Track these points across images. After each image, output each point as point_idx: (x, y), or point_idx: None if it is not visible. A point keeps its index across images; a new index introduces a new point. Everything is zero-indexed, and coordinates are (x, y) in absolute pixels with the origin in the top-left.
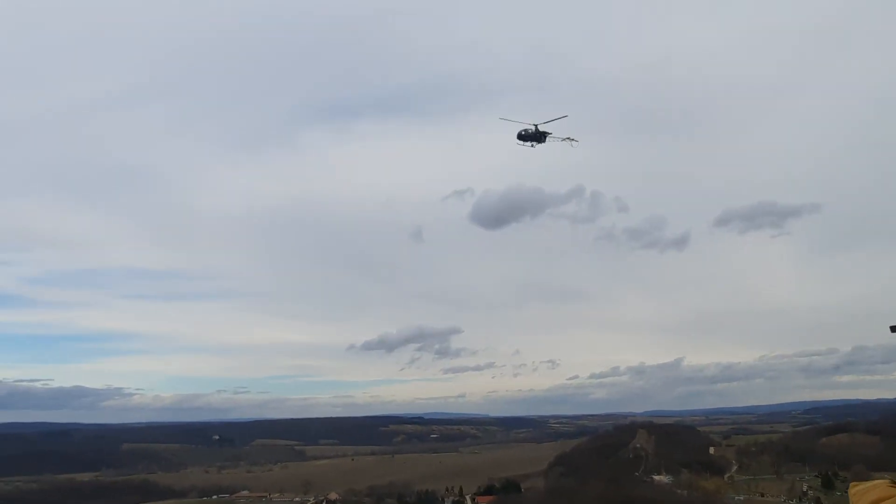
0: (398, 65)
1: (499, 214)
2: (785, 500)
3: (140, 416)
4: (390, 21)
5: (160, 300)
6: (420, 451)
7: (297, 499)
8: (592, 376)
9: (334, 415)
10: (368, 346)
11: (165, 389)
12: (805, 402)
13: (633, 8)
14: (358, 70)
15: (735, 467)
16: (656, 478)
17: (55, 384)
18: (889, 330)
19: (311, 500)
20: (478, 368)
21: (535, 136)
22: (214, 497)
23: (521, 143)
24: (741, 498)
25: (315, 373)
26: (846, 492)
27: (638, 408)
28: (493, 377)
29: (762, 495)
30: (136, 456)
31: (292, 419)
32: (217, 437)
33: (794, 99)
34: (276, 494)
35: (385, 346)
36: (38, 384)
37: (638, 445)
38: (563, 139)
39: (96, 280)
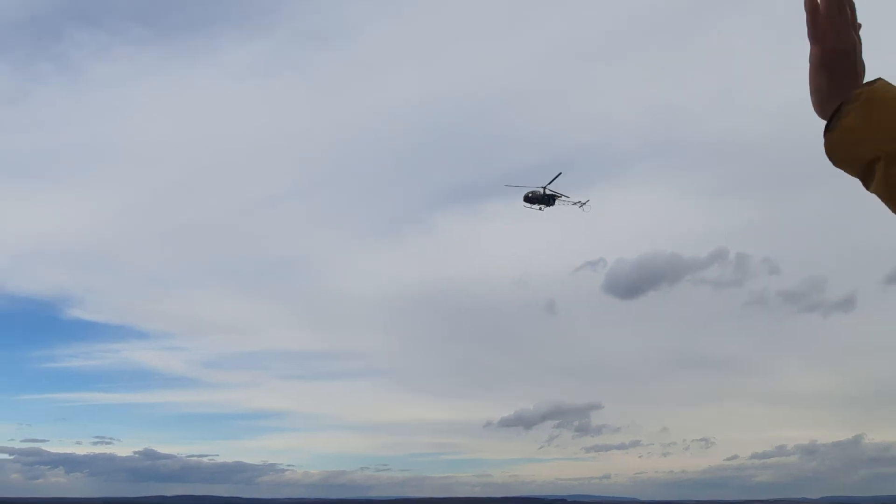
0: (524, 143)
1: (633, 283)
2: None
3: (291, 491)
4: (514, 102)
5: (310, 379)
6: None
7: None
8: (754, 456)
9: (473, 494)
10: (506, 423)
11: (314, 466)
12: None
13: (755, 60)
14: (485, 151)
15: None
16: None
17: (220, 459)
18: None
19: None
20: (622, 447)
21: (542, 199)
22: None
23: (528, 205)
24: None
25: (454, 450)
26: None
27: (813, 493)
28: (639, 457)
29: None
30: None
31: (432, 498)
32: None
33: None
34: None
35: (523, 422)
36: (205, 459)
37: None
38: (575, 202)
39: (256, 362)
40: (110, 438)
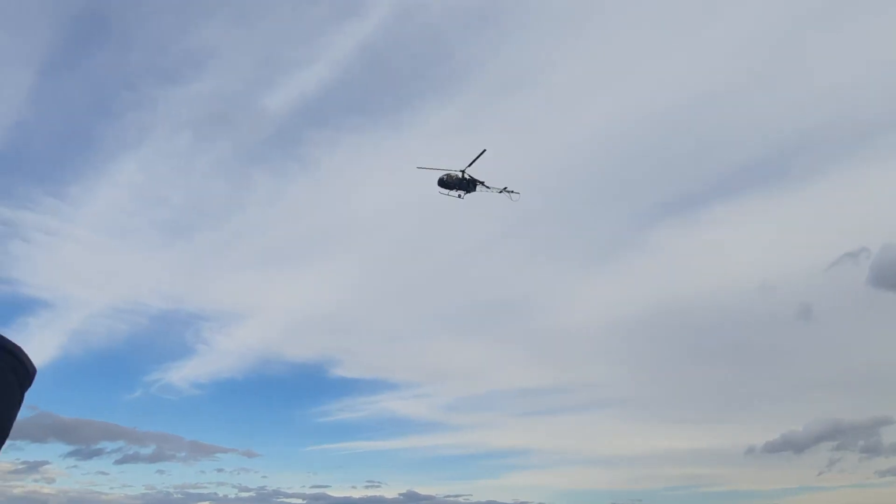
0: (735, 141)
1: None
2: None
3: None
4: (717, 100)
5: (546, 415)
6: None
7: None
8: None
9: None
10: (771, 449)
11: (562, 502)
12: None
13: None
14: (692, 158)
15: None
16: None
17: (473, 498)
18: None
19: None
20: None
21: (461, 185)
22: None
23: (444, 191)
24: None
25: (713, 482)
26: None
27: None
28: None
29: None
30: None
31: None
32: None
33: None
34: None
35: (791, 446)
36: (461, 499)
37: None
38: (501, 191)
39: (492, 402)
40: (378, 482)
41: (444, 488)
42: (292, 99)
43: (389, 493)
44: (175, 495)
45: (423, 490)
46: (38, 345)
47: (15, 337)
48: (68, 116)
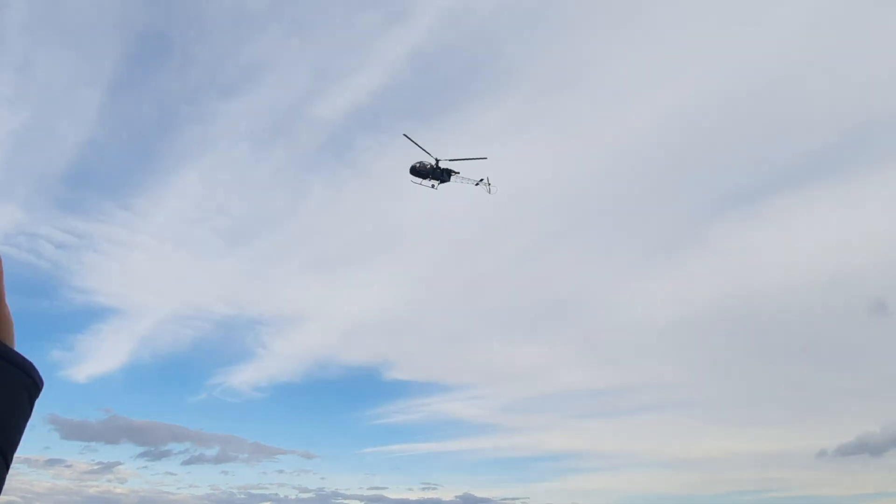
0: (799, 127)
1: None
2: None
3: None
4: (776, 86)
5: (604, 417)
6: None
7: None
8: None
9: None
10: (845, 451)
11: None
12: None
13: None
14: (751, 148)
15: None
16: None
17: (531, 502)
18: None
19: None
20: None
21: (434, 173)
22: None
23: (416, 180)
24: None
25: (783, 487)
26: None
27: None
28: None
29: None
30: None
31: None
32: None
33: None
34: None
35: (868, 449)
36: (518, 501)
37: None
38: (477, 182)
39: (549, 403)
40: (435, 484)
41: (500, 491)
42: (344, 106)
43: (446, 495)
44: (238, 496)
45: (479, 493)
46: (111, 350)
47: (90, 343)
48: (135, 132)
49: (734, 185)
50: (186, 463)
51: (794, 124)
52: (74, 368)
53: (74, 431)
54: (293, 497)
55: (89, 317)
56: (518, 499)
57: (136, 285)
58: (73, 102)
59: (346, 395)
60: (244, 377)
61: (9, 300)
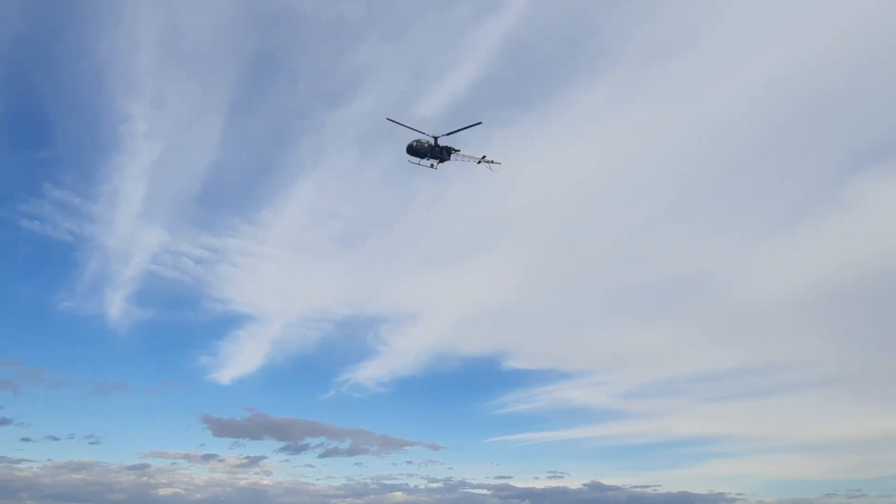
0: None
1: None
2: None
3: None
4: None
5: (739, 399)
6: None
7: None
8: None
9: None
10: None
11: (768, 494)
12: None
13: None
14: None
15: None
16: None
17: (663, 489)
18: None
19: None
20: None
21: (433, 152)
22: None
23: (415, 160)
24: None
25: None
26: None
27: None
28: None
29: None
30: None
31: None
32: None
33: None
34: None
35: None
36: (649, 490)
37: None
38: (480, 160)
39: (676, 387)
40: (561, 472)
41: (629, 479)
42: (443, 102)
43: (573, 483)
44: (371, 486)
45: (607, 480)
46: (249, 353)
47: (230, 348)
48: (253, 150)
49: (871, 138)
50: (322, 456)
51: None
52: (220, 372)
53: (224, 429)
54: (423, 487)
55: (228, 324)
56: (649, 486)
57: (265, 293)
58: (199, 129)
59: (466, 387)
60: (368, 373)
61: (162, 313)
